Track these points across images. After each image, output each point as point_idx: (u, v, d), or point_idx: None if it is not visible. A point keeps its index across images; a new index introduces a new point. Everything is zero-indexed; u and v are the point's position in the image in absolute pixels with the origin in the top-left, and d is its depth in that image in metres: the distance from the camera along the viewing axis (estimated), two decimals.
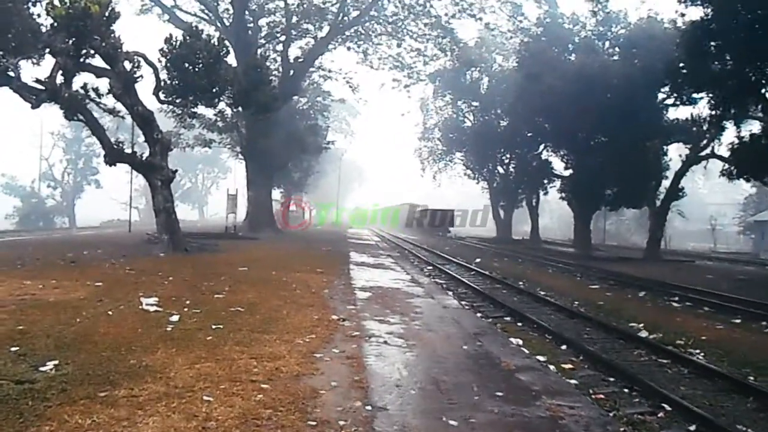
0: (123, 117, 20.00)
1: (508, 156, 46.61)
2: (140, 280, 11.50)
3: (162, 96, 19.41)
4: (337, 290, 11.66)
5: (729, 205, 61.00)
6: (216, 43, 18.77)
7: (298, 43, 38.10)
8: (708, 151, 26.98)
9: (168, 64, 18.62)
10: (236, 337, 6.89)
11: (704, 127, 27.07)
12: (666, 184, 30.07)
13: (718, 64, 19.56)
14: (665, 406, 6.32)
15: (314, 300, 10.10)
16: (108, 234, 33.11)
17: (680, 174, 27.65)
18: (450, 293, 13.86)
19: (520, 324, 10.68)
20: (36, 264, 13.93)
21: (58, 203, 56.87)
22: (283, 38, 35.80)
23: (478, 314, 11.18)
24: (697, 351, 8.92)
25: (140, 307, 8.43)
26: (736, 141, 20.07)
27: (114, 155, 18.38)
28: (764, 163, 18.53)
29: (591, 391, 6.70)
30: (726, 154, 26.85)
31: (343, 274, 14.80)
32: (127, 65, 17.54)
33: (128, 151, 19.35)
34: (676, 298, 14.50)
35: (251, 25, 34.72)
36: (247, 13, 33.51)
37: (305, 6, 34.66)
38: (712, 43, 18.96)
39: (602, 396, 6.62)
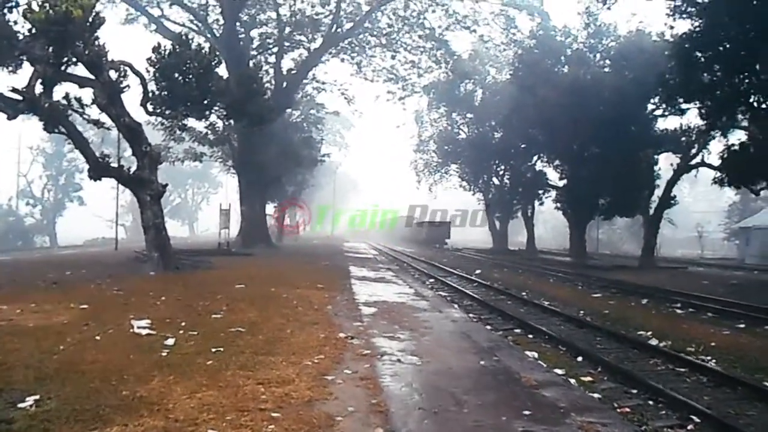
0: (108, 129, 19.28)
1: (502, 167, 46.37)
2: (130, 301, 10.84)
3: (150, 107, 18.74)
4: (341, 306, 11.06)
5: (713, 213, 61.40)
6: (207, 53, 18.19)
7: (290, 54, 37.81)
8: (698, 160, 26.89)
9: (156, 74, 18.00)
10: (239, 361, 6.28)
11: (693, 137, 27.11)
12: (658, 193, 29.93)
13: (707, 75, 19.50)
14: (694, 417, 5.99)
15: (318, 317, 9.50)
16: (92, 253, 32.10)
17: (672, 183, 27.64)
18: (456, 306, 13.35)
19: (531, 336, 10.23)
20: (14, 286, 13.15)
21: (37, 221, 55.14)
22: (275, 50, 35.33)
23: (488, 327, 10.66)
24: (709, 358, 8.60)
25: (131, 330, 7.78)
26: (726, 149, 19.94)
27: (99, 169, 17.65)
28: (753, 170, 18.43)
29: (616, 405, 6.32)
30: (715, 162, 26.87)
31: (345, 289, 14.20)
32: (113, 75, 16.87)
33: (114, 165, 18.59)
34: (678, 305, 14.24)
35: (242, 36, 34.27)
36: (238, 24, 33.03)
37: (298, 17, 34.27)
38: (702, 54, 18.89)
39: (628, 409, 6.24)
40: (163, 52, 18.02)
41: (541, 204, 40.67)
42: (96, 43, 16.09)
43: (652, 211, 28.47)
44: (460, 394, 5.52)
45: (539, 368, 6.90)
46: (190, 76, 18.21)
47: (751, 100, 17.94)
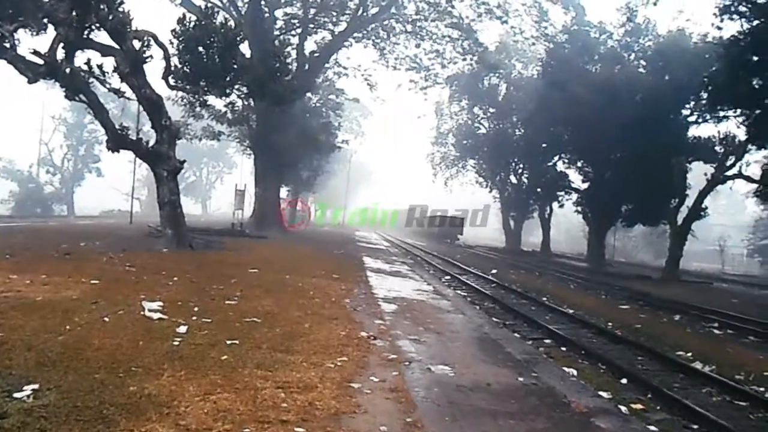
0: (128, 98, 18.76)
1: (521, 165, 45.54)
2: (142, 279, 10.34)
3: (172, 81, 18.25)
4: (359, 300, 10.51)
5: (733, 228, 60.17)
6: (232, 28, 17.62)
7: (314, 37, 37.13)
8: (734, 171, 25.82)
9: (180, 47, 17.47)
10: (256, 358, 5.73)
11: (730, 147, 26.06)
12: (688, 203, 28.95)
13: (758, 80, 18.50)
14: None
15: (337, 311, 8.95)
16: (108, 224, 31.76)
17: (704, 193, 26.53)
18: (477, 307, 12.83)
19: (564, 349, 9.61)
20: (26, 255, 12.69)
21: (56, 190, 55.12)
22: (299, 30, 34.63)
23: (516, 334, 10.02)
24: (761, 389, 7.92)
25: (142, 313, 7.25)
26: None
27: (117, 141, 17.20)
28: None
29: None
30: (754, 174, 25.90)
31: (361, 281, 13.66)
32: (136, 44, 16.35)
33: (133, 137, 18.11)
34: (716, 324, 13.51)
35: (267, 15, 33.60)
36: (263, 2, 32.39)
37: None
38: (755, 58, 17.88)
39: None
40: (187, 24, 17.49)
41: (561, 206, 39.82)
42: (121, 9, 15.57)
43: (680, 222, 27.41)
44: (504, 418, 4.93)
45: (585, 390, 6.26)
46: (214, 51, 17.65)
47: None
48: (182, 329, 6.54)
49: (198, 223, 34.34)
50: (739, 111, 21.49)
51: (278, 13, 34.97)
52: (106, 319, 6.75)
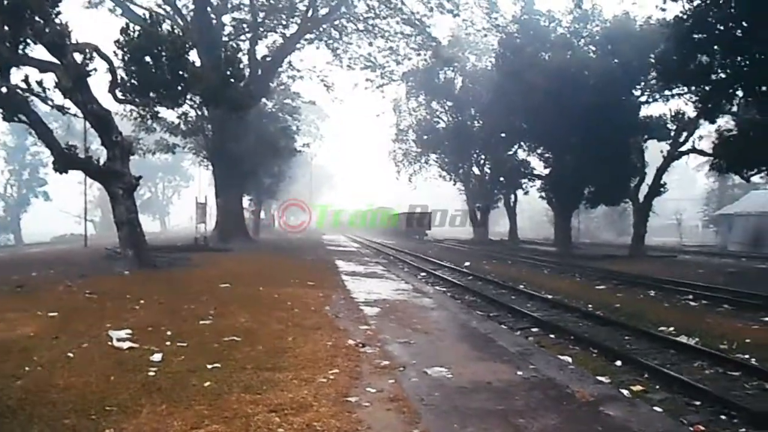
0: (74, 115, 17.82)
1: (483, 156, 45.68)
2: (105, 306, 9.67)
3: (119, 94, 17.39)
4: (340, 307, 10.10)
5: (687, 201, 61.99)
6: (180, 34, 16.90)
7: (265, 41, 36.38)
8: (688, 146, 26.42)
9: (125, 58, 16.65)
10: (242, 380, 5.29)
11: (681, 124, 26.63)
12: (647, 180, 29.47)
13: (706, 57, 18.86)
14: None
15: (319, 321, 8.53)
16: (60, 250, 30.18)
17: (662, 170, 27.09)
18: (459, 302, 12.62)
19: (553, 336, 9.41)
20: None
21: (0, 218, 52.73)
22: (249, 35, 33.84)
23: (503, 326, 9.77)
24: (747, 356, 7.92)
25: (109, 343, 6.69)
26: (725, 135, 19.39)
27: (65, 161, 16.29)
28: (752, 156, 17.86)
29: (685, 421, 5.53)
30: (706, 148, 26.49)
31: (338, 286, 13.23)
32: (78, 58, 15.50)
33: (81, 156, 17.21)
34: (690, 296, 13.63)
35: (214, 22, 32.69)
36: (209, 9, 31.48)
37: (272, 1, 32.86)
38: (699, 36, 18.18)
39: (702, 427, 5.43)
40: (132, 33, 16.67)
41: (526, 193, 40.09)
42: (58, 20, 14.72)
43: (641, 199, 27.82)
44: (516, 417, 4.63)
45: (584, 378, 6.02)
46: (163, 60, 16.92)
47: (750, 83, 17.32)
48: (157, 357, 6.02)
49: (159, 241, 33.27)
50: (688, 88, 21.82)
51: (226, 18, 34.12)
52: (70, 354, 6.16)
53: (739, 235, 35.21)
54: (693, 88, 19.49)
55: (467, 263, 23.60)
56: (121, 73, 17.08)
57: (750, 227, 34.36)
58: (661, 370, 7.14)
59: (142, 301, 10.10)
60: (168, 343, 6.76)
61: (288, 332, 7.55)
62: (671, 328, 9.74)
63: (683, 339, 8.81)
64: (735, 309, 11.99)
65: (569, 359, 7.31)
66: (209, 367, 5.65)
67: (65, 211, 55.45)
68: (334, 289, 12.69)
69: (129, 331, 7.33)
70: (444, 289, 15.21)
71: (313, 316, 8.96)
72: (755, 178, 51.85)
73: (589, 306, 12.39)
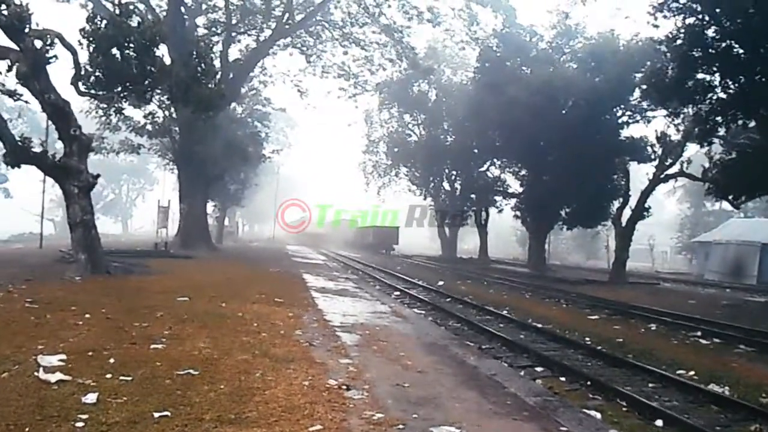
0: (26, 102, 16.35)
1: (455, 172, 45.09)
2: (44, 319, 8.39)
3: (82, 87, 16.05)
4: (313, 331, 8.98)
5: (656, 226, 62.70)
6: (151, 25, 15.65)
7: (237, 45, 35.24)
8: (675, 169, 26.02)
9: (91, 49, 15.36)
10: None
11: (668, 147, 26.29)
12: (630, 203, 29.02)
13: (707, 76, 18.32)
14: None
15: (291, 350, 7.40)
16: (13, 251, 28.15)
17: (646, 193, 26.54)
18: (443, 328, 11.61)
19: (564, 380, 8.31)
20: None
21: None
22: (223, 36, 32.58)
23: (505, 364, 8.69)
24: None
25: (35, 373, 5.46)
26: (723, 159, 18.87)
27: (17, 155, 14.83)
28: (756, 181, 17.31)
29: None
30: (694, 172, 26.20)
31: (309, 305, 12.07)
32: (37, 44, 14.16)
33: (37, 150, 15.73)
34: (698, 333, 12.71)
35: (187, 23, 31.35)
36: (183, 9, 30.15)
37: (248, 5, 31.77)
38: (699, 53, 17.63)
39: None
40: (98, 22, 15.39)
41: (500, 211, 39.48)
42: (18, 1, 13.38)
43: (623, 223, 27.28)
44: None
45: None
46: (131, 52, 15.67)
47: (753, 104, 16.66)
48: (90, 398, 4.82)
49: (118, 244, 31.60)
50: (684, 107, 21.22)
51: (199, 20, 32.85)
52: None
53: (717, 263, 35.08)
54: (691, 107, 18.81)
55: (440, 282, 22.72)
56: (85, 64, 15.79)
57: (729, 256, 34.22)
58: None
59: (87, 315, 8.83)
60: (109, 375, 5.57)
61: (255, 365, 6.42)
62: (692, 373, 8.82)
63: (716, 388, 7.83)
64: (755, 351, 11.06)
65: (598, 415, 6.31)
66: (156, 416, 4.49)
67: (26, 209, 52.59)
68: (304, 308, 11.56)
69: (63, 356, 6.10)
70: (423, 312, 14.17)
71: (283, 342, 7.83)
72: (727, 206, 52.84)
73: (587, 339, 11.49)
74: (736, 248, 34.37)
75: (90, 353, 6.41)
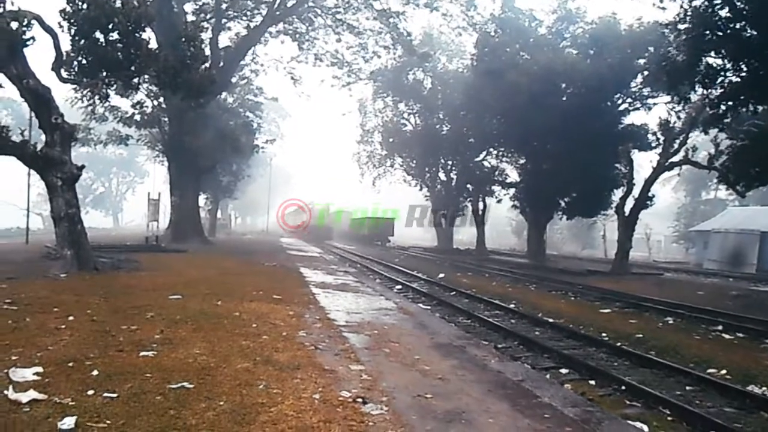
0: (1, 86, 15.42)
1: (451, 162, 44.35)
2: (22, 322, 7.63)
3: (64, 73, 15.19)
4: (317, 331, 8.27)
5: (650, 215, 62.51)
6: (136, 6, 14.74)
7: (227, 33, 34.22)
8: (680, 157, 25.36)
9: (72, 31, 14.47)
10: None
11: (667, 134, 25.69)
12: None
13: (718, 59, 17.59)
14: None
15: (296, 354, 6.69)
16: None
17: (650, 181, 25.78)
18: (453, 325, 10.94)
19: (593, 383, 7.68)
20: None
21: None
22: (212, 21, 31.55)
23: (527, 366, 8.00)
24: None
25: (5, 392, 4.73)
26: (736, 146, 18.21)
27: None
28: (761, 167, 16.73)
29: None
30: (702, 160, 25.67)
31: (309, 302, 11.33)
32: (14, 26, 13.27)
33: (17, 139, 14.84)
34: (719, 327, 12.07)
35: (175, 9, 30.30)
36: None
37: None
38: (710, 35, 16.89)
39: None
40: (80, 3, 14.47)
41: (499, 201, 38.79)
42: None
43: (627, 212, 26.64)
44: None
45: None
46: (116, 35, 14.79)
47: (765, 89, 15.97)
48: (68, 422, 4.09)
49: (107, 239, 30.66)
50: (678, 95, 20.59)
51: (187, 7, 31.76)
52: None
53: (716, 252, 34.75)
54: (702, 91, 18.16)
55: (441, 275, 22.07)
56: (67, 48, 14.93)
57: (728, 245, 33.89)
58: None
59: (70, 318, 8.09)
60: (91, 392, 4.83)
61: (257, 374, 5.71)
62: (724, 371, 8.25)
63: (756, 390, 7.27)
64: None
65: (645, 428, 5.70)
66: None
67: (13, 203, 51.16)
68: (305, 305, 10.83)
69: (39, 369, 5.36)
70: (429, 307, 13.47)
71: (286, 346, 7.11)
72: (723, 195, 52.52)
73: (605, 335, 10.87)
74: (735, 237, 34.04)
75: (71, 364, 5.67)
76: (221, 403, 4.76)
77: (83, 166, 15.45)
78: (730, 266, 31.89)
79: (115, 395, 4.79)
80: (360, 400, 5.13)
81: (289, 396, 5.07)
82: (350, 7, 34.52)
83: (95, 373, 5.42)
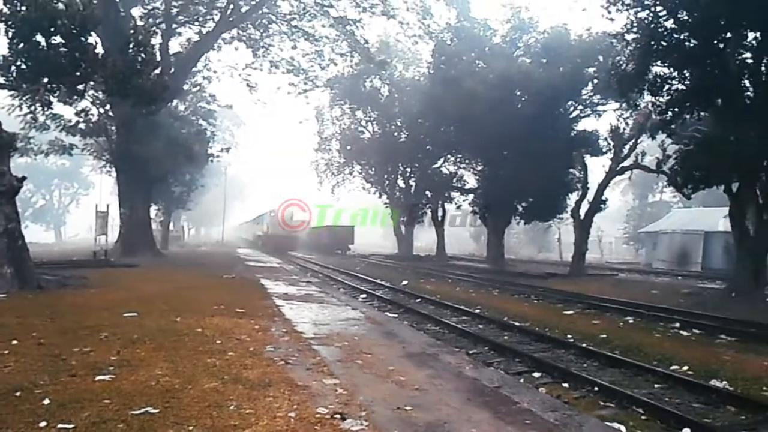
0: None
1: (409, 169, 44.40)
2: None
3: (1, 79, 14.35)
4: (285, 345, 7.87)
5: (601, 218, 64.30)
6: (82, 8, 14.02)
7: (178, 39, 33.28)
8: (630, 161, 26.13)
9: (10, 34, 13.65)
10: None
11: (616, 140, 26.40)
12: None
13: (665, 68, 18.26)
14: None
15: (266, 371, 6.29)
16: None
17: (603, 185, 26.54)
18: (422, 332, 10.71)
19: (566, 385, 7.66)
20: None
21: None
22: (163, 27, 30.59)
23: (501, 371, 7.82)
24: None
25: None
26: (683, 150, 18.85)
27: None
28: (716, 171, 17.31)
29: None
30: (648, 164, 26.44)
31: (274, 315, 10.88)
32: None
33: None
34: (677, 325, 12.35)
35: (123, 14, 29.26)
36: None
37: None
38: (656, 46, 17.51)
39: None
40: (18, 3, 13.68)
41: (458, 207, 38.95)
42: None
43: (582, 216, 27.17)
44: None
45: None
46: (59, 38, 14.04)
47: (708, 96, 16.73)
48: None
49: (51, 254, 29.26)
50: (628, 102, 21.25)
51: (135, 12, 30.72)
52: None
53: (664, 252, 35.88)
54: (650, 99, 18.81)
55: (405, 282, 21.90)
56: (4, 53, 14.10)
57: (675, 245, 35.04)
58: None
59: (14, 342, 7.43)
60: (43, 424, 4.34)
61: (227, 394, 5.31)
62: (686, 367, 8.36)
63: (717, 383, 7.45)
64: (738, 341, 10.75)
65: (623, 428, 5.62)
66: None
67: None
68: (270, 318, 10.39)
69: None
70: (396, 315, 13.23)
71: (255, 362, 6.70)
72: (668, 197, 54.50)
73: (570, 337, 10.91)
74: (681, 237, 35.25)
75: (18, 393, 5.13)
76: (191, 428, 4.36)
77: (24, 178, 14.55)
78: (677, 265, 33.03)
79: (71, 426, 4.31)
80: (338, 416, 4.80)
81: (263, 416, 4.71)
82: (306, 14, 34.10)
83: (47, 402, 4.90)
